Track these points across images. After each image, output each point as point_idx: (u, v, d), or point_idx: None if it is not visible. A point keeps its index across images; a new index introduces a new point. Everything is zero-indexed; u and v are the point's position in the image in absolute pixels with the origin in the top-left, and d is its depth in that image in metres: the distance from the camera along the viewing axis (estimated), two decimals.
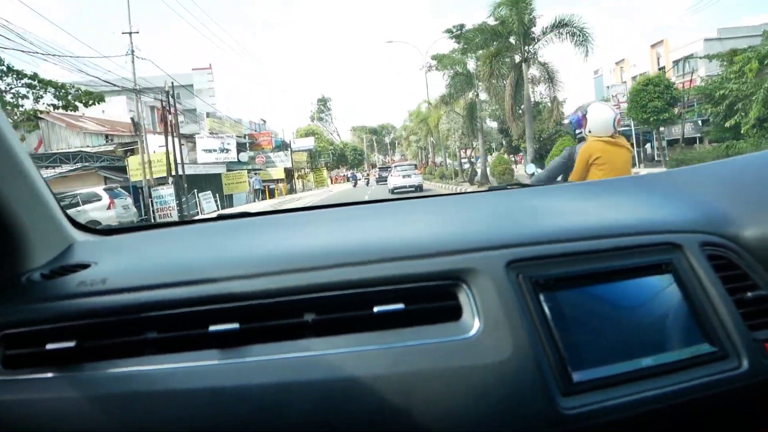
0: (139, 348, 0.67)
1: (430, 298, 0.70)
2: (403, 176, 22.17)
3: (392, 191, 21.07)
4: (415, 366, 0.64)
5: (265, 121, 36.52)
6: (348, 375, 0.62)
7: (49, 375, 0.64)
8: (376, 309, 0.68)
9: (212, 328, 0.65)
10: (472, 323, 0.69)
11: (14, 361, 0.65)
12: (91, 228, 0.99)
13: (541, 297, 0.70)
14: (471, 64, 20.86)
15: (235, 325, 0.66)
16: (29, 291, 0.73)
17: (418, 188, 21.09)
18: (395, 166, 25.01)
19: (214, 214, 1.16)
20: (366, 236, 0.86)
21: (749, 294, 0.79)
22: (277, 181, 30.80)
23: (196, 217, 8.14)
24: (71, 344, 0.66)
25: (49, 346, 0.65)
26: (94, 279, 0.75)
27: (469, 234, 0.83)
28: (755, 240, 0.83)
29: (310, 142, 39.81)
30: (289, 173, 34.88)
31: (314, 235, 0.90)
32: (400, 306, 0.69)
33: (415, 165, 26.43)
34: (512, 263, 0.74)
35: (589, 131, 2.76)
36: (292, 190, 34.77)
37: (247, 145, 32.09)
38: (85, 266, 0.78)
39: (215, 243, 0.91)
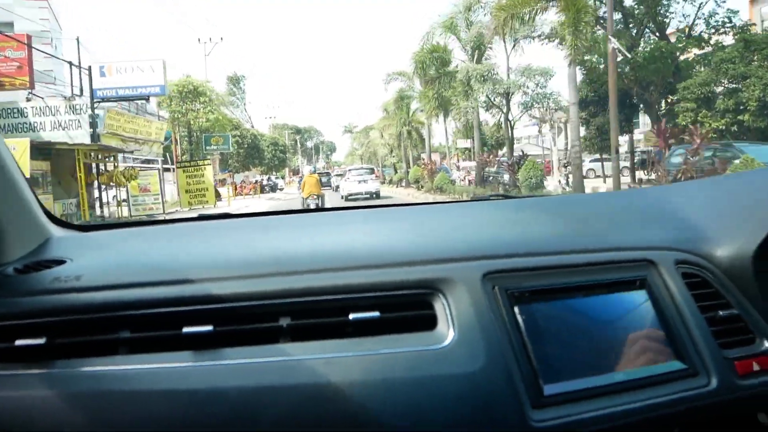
0: (112, 347, 0.74)
1: (405, 306, 0.81)
2: (359, 182, 22.01)
3: (346, 199, 21.35)
4: (389, 374, 0.73)
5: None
6: (322, 381, 0.71)
7: (19, 372, 0.71)
8: (351, 316, 0.77)
9: (186, 329, 0.74)
10: (447, 333, 0.78)
11: None
12: (69, 223, 1.05)
13: (516, 309, 0.82)
14: None
15: (209, 328, 0.74)
16: (1, 286, 0.80)
17: (375, 195, 21.64)
18: (350, 170, 25.64)
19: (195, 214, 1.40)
20: (344, 242, 0.97)
21: (721, 312, 0.90)
22: None
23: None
24: (41, 341, 0.72)
25: (19, 342, 0.72)
26: (68, 275, 0.81)
27: (447, 244, 0.93)
28: (729, 259, 0.95)
29: (154, 79, 17.20)
30: (66, 166, 13.78)
31: (292, 240, 0.99)
32: (376, 314, 0.78)
33: (372, 169, 26.23)
34: (489, 275, 0.85)
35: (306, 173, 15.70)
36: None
37: None
38: (60, 262, 0.84)
39: (193, 243, 0.99)
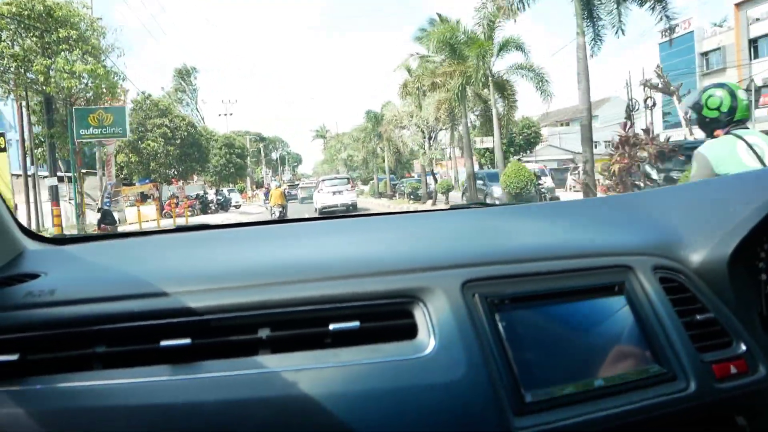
0: (87, 362, 0.73)
1: (385, 316, 0.81)
2: (334, 193, 19.98)
3: (320, 212, 19.61)
4: (370, 384, 0.73)
5: None
6: (302, 392, 0.70)
7: None
8: (331, 326, 0.77)
9: (163, 343, 0.73)
10: (428, 342, 0.78)
11: None
12: (44, 236, 1.03)
13: (496, 317, 0.83)
14: None
15: (187, 341, 0.73)
16: None
17: (351, 208, 19.69)
18: (323, 180, 22.57)
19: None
20: (323, 253, 0.96)
21: (698, 317, 0.90)
22: None
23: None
24: (14, 357, 0.70)
25: None
26: (42, 290, 0.79)
27: (426, 253, 0.94)
28: (705, 263, 0.96)
29: None
30: None
31: (271, 251, 0.98)
32: (356, 324, 0.78)
33: (348, 179, 22.43)
34: (468, 283, 0.85)
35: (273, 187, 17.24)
36: None
37: None
38: (33, 276, 0.83)
39: (170, 256, 0.98)
